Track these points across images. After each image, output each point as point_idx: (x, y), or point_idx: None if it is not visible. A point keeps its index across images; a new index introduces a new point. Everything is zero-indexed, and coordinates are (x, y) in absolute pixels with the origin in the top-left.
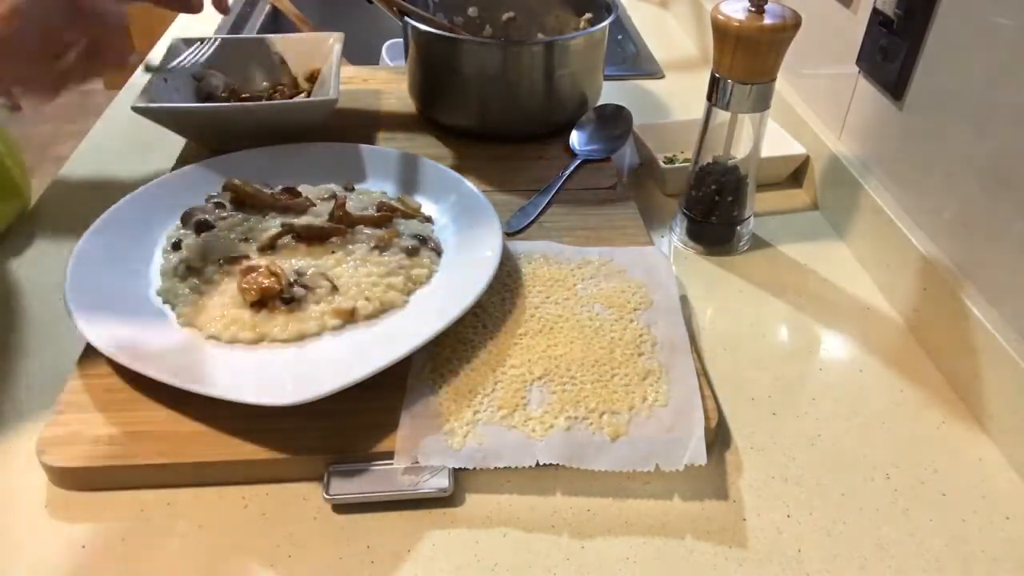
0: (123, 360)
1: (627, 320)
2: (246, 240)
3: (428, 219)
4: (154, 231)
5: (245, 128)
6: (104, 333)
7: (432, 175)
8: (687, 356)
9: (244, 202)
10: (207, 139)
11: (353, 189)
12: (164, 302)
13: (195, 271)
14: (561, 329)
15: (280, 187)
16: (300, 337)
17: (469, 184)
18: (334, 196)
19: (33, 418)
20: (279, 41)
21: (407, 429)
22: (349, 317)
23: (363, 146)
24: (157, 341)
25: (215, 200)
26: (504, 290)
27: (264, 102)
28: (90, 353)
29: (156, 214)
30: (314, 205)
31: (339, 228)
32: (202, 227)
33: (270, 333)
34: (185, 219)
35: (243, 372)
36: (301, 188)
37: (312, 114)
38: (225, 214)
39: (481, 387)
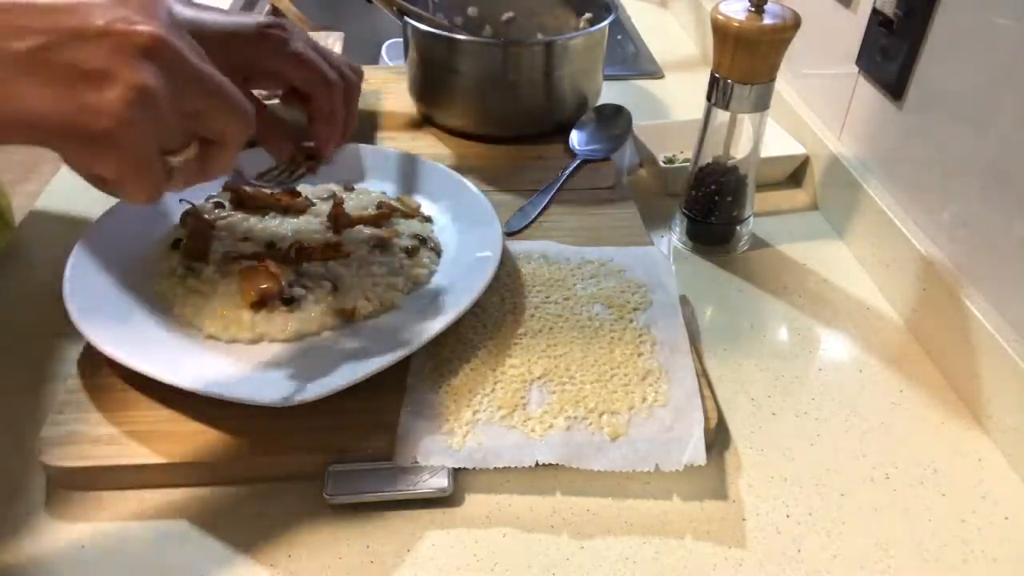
0: (122, 360)
1: (627, 320)
2: (246, 240)
3: (428, 219)
4: (154, 231)
5: None
6: (104, 333)
7: (432, 175)
8: (687, 356)
9: (244, 202)
10: None
11: (353, 189)
12: (163, 302)
13: (194, 271)
14: (561, 329)
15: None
16: (300, 337)
17: (469, 184)
18: (333, 196)
19: (33, 418)
20: None
21: (407, 429)
22: (349, 317)
23: (363, 146)
24: (157, 341)
25: (215, 200)
26: (504, 290)
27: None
28: (90, 353)
29: (156, 214)
30: (313, 205)
31: (336, 243)
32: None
33: (270, 333)
34: (185, 219)
35: (243, 372)
36: (301, 188)
37: None
38: (225, 214)
39: (481, 387)
